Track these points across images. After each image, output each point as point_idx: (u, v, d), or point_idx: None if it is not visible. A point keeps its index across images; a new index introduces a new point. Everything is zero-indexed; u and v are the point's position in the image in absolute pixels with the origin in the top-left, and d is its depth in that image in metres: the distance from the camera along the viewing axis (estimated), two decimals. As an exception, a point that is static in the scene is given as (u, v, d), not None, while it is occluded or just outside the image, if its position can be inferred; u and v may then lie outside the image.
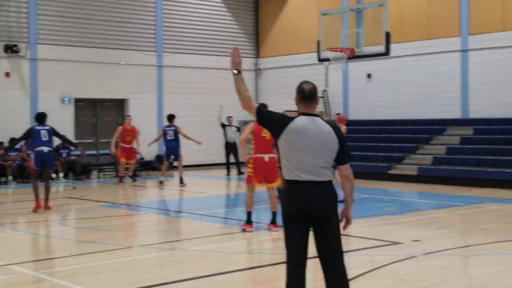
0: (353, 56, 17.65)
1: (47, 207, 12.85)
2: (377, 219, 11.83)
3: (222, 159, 22.28)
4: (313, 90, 5.00)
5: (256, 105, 5.05)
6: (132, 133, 18.66)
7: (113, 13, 22.42)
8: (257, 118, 4.99)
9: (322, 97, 23.53)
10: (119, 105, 22.96)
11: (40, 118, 13.20)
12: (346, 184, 5.00)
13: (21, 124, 20.10)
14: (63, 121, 21.10)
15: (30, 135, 12.97)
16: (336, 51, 17.72)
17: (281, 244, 9.54)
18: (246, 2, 25.93)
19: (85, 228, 11.12)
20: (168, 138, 17.87)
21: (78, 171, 20.24)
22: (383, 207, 13.07)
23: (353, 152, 20.18)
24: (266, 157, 10.41)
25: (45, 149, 12.84)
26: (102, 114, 22.57)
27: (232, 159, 21.62)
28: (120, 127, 18.86)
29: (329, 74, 23.42)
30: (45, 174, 13.07)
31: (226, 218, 12.48)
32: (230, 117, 21.49)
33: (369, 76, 22.46)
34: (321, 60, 18.85)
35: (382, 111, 21.94)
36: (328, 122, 4.98)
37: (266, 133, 10.14)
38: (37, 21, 20.81)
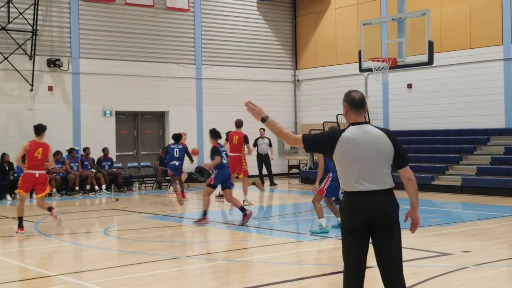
0: (395, 66, 17.49)
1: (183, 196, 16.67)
2: (423, 230, 11.61)
3: (255, 171, 21.92)
4: (363, 97, 4.95)
5: (299, 136, 4.99)
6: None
7: (153, 27, 22.68)
8: (305, 147, 5.00)
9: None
10: (159, 117, 23.18)
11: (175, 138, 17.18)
12: (409, 187, 4.95)
13: (63, 137, 20.52)
14: (104, 134, 21.43)
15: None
16: (378, 61, 17.57)
17: (328, 255, 9.49)
18: (284, 13, 25.98)
19: (131, 239, 11.19)
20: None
21: (120, 183, 20.43)
22: (429, 218, 12.88)
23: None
24: None
25: (177, 163, 16.80)
26: (142, 127, 22.81)
27: (264, 170, 21.59)
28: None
29: (368, 84, 23.30)
30: (178, 179, 17.09)
31: (271, 229, 12.42)
32: (262, 129, 21.49)
33: (409, 86, 22.26)
34: (362, 70, 18.73)
35: (423, 121, 21.70)
36: (380, 128, 4.94)
37: None
38: (79, 35, 21.17)
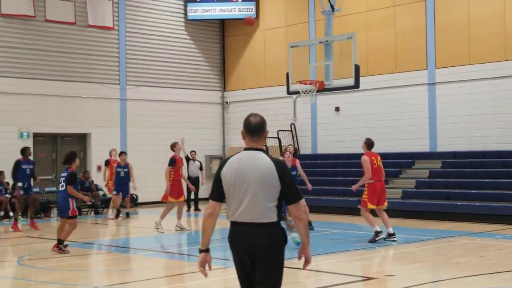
0: (323, 89, 17.42)
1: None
2: (348, 254, 11.54)
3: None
4: (260, 123, 4.67)
5: (213, 204, 4.67)
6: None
7: (74, 45, 21.88)
8: (215, 201, 4.67)
9: (290, 130, 23.29)
10: (81, 139, 22.34)
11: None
12: (298, 225, 4.60)
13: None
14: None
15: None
16: (305, 83, 17.47)
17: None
18: (212, 33, 25.70)
19: (47, 269, 10.55)
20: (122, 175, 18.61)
21: (37, 209, 19.44)
22: (354, 242, 12.75)
23: (322, 186, 20.02)
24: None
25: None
26: (62, 149, 21.81)
27: (192, 195, 21.02)
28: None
29: (297, 107, 23.22)
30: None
31: (188, 255, 11.94)
32: (193, 151, 21.06)
33: (337, 109, 22.31)
34: (290, 93, 18.59)
35: (350, 145, 21.71)
36: (272, 158, 4.61)
37: None
38: (-5, 53, 20.23)
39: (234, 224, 4.61)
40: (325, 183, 20.40)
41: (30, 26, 20.96)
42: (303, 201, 4.60)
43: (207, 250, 4.66)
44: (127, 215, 18.96)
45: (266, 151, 4.68)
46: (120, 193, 18.49)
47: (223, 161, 4.72)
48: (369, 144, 12.86)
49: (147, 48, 23.74)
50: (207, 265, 4.67)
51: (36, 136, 21.07)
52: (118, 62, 22.98)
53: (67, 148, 21.61)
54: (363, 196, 12.77)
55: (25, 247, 13.41)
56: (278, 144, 22.44)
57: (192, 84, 24.94)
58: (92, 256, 12.17)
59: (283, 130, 23.06)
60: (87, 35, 22.22)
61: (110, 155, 19.58)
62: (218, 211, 4.66)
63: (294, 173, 13.80)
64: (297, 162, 14.35)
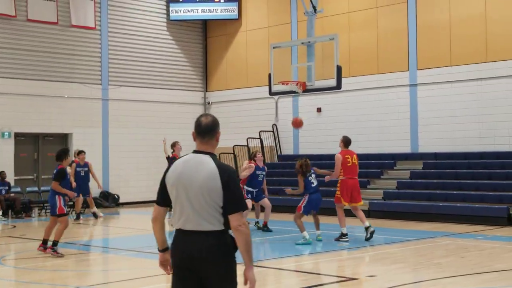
0: (305, 90, 17.45)
1: None
2: (330, 254, 11.60)
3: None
4: (212, 124, 4.39)
5: (156, 209, 4.48)
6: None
7: (56, 45, 21.74)
8: (160, 205, 4.45)
9: (272, 131, 23.31)
10: (62, 139, 22.18)
11: None
12: (238, 238, 4.20)
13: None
14: (2, 156, 20.27)
15: None
16: (287, 84, 17.49)
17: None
18: (194, 34, 25.64)
19: (29, 269, 10.48)
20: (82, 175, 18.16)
21: (18, 208, 19.31)
22: (336, 242, 12.78)
23: (304, 187, 19.99)
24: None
25: None
26: (44, 149, 21.70)
27: None
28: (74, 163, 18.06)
29: (279, 108, 23.25)
30: None
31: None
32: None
33: (319, 110, 22.37)
34: (272, 93, 18.61)
35: (332, 146, 21.71)
36: (218, 163, 4.31)
37: None
38: (-25, 52, 20.04)
39: (177, 232, 4.33)
40: (307, 183, 20.41)
41: (12, 26, 20.77)
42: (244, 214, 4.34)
43: (164, 250, 4.49)
44: (95, 215, 18.27)
45: (214, 155, 4.40)
46: (81, 194, 17.67)
47: (170, 163, 4.46)
48: (346, 142, 13.17)
49: (129, 48, 23.63)
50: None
51: (17, 136, 20.89)
52: (100, 62, 22.85)
53: (48, 148, 21.53)
54: (336, 193, 13.14)
55: (6, 247, 13.30)
56: (260, 145, 22.46)
57: (174, 85, 24.87)
58: (73, 256, 12.08)
59: (265, 131, 23.08)
60: (69, 35, 22.06)
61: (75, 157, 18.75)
62: (163, 214, 4.46)
63: (262, 172, 14.75)
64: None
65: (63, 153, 11.85)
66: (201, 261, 4.19)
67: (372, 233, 12.71)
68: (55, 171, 11.77)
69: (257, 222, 15.05)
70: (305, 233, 12.44)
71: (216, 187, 4.22)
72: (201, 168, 4.27)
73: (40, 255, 11.51)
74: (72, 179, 17.98)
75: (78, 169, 18.02)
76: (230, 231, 4.25)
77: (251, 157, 14.95)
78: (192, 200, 4.25)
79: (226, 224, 4.25)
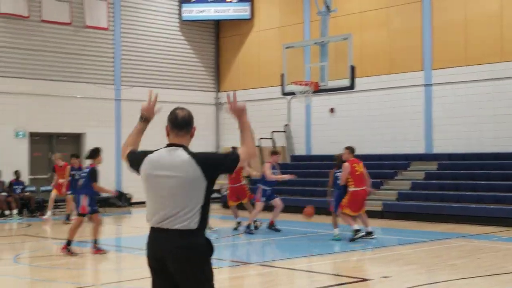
0: (318, 90, 17.39)
1: None
2: (344, 255, 11.55)
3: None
4: (187, 117, 4.20)
5: (128, 151, 4.38)
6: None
7: (70, 45, 21.83)
8: (128, 165, 4.32)
9: (284, 131, 23.26)
10: (76, 139, 22.25)
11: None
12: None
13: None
14: (17, 156, 20.38)
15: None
16: (300, 84, 17.44)
17: (249, 281, 9.04)
18: (207, 34, 25.65)
19: (43, 267, 10.55)
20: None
21: (33, 207, 19.42)
22: (350, 243, 12.71)
23: (315, 187, 19.94)
24: None
25: None
26: (58, 149, 21.75)
27: None
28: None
29: (291, 108, 23.20)
30: None
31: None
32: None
33: (332, 110, 22.29)
34: (285, 94, 18.56)
35: (345, 146, 21.65)
36: (192, 152, 4.09)
37: None
38: (-11, 53, 20.15)
39: (151, 230, 4.12)
40: (319, 184, 20.33)
41: (26, 26, 20.88)
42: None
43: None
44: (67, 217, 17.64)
45: (187, 147, 4.16)
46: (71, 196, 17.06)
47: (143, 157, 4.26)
48: (351, 150, 13.17)
49: (142, 48, 23.68)
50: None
51: (32, 135, 21.00)
52: (113, 63, 22.91)
53: (62, 148, 21.59)
54: (343, 200, 12.91)
55: (21, 246, 13.38)
56: (272, 145, 22.42)
57: (186, 85, 24.87)
58: (88, 255, 12.09)
59: (277, 131, 23.02)
60: (82, 35, 22.14)
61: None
62: (125, 151, 4.41)
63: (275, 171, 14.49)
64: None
65: (96, 152, 11.70)
66: (173, 260, 3.98)
67: (361, 237, 12.75)
68: (87, 170, 11.62)
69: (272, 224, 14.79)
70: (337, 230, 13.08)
71: (196, 177, 4.00)
72: (175, 162, 4.05)
73: (54, 254, 11.53)
74: (66, 180, 17.63)
75: (72, 172, 17.60)
76: (206, 231, 4.10)
77: (274, 152, 14.86)
78: (166, 196, 4.03)
79: (202, 222, 4.02)
